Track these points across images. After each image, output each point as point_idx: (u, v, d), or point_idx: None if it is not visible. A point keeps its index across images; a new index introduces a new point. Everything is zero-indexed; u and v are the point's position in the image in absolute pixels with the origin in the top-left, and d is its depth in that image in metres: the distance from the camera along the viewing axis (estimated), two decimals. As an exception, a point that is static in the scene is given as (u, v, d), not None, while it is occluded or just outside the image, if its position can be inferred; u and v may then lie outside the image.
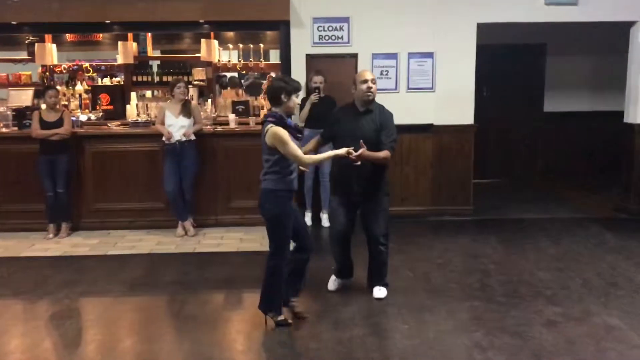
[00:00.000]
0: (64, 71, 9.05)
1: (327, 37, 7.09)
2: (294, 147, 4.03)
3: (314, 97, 6.67)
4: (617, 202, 7.57)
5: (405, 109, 7.14)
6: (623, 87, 7.44)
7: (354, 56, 7.13)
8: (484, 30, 7.08)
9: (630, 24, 7.18)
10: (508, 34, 8.01)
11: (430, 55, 7.11)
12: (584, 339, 4.05)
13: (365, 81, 4.55)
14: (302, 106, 6.84)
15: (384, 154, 4.56)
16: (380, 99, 7.07)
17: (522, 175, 9.31)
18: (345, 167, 4.49)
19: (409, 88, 7.16)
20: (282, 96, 4.09)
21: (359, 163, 4.30)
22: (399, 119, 7.13)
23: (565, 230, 6.70)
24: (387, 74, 7.14)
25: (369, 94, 4.59)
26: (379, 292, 4.82)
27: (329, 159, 4.42)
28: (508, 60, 9.17)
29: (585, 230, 6.71)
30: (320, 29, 7.06)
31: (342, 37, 7.09)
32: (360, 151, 4.24)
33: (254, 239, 6.36)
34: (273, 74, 9.19)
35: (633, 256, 5.78)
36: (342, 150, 4.22)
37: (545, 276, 5.26)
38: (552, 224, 6.97)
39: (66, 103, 8.27)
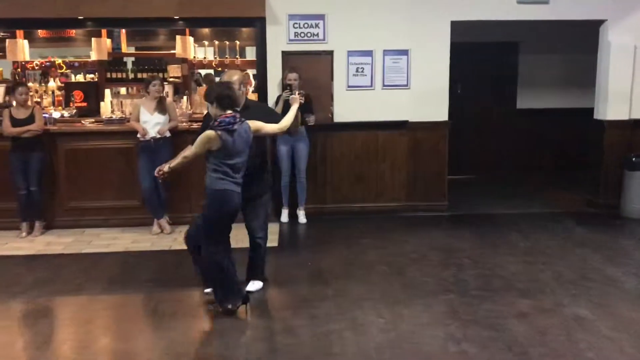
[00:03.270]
0: (37, 68, 8.92)
1: (302, 34, 7.10)
2: (267, 125, 4.47)
3: (285, 95, 6.70)
4: (587, 197, 7.73)
5: (381, 106, 7.22)
6: (593, 84, 7.59)
7: (330, 53, 7.16)
8: (458, 28, 7.17)
9: (600, 22, 7.33)
10: (481, 32, 8.12)
11: (405, 52, 7.17)
12: (555, 330, 4.14)
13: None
14: (276, 103, 6.87)
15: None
16: (355, 96, 7.24)
17: (495, 171, 9.44)
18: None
19: (384, 85, 7.22)
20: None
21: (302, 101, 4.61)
22: (374, 116, 7.28)
23: (537, 224, 6.82)
24: (362, 71, 7.19)
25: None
26: (252, 285, 4.85)
27: (293, 116, 4.65)
28: (481, 58, 9.28)
29: (556, 224, 6.84)
30: (296, 26, 7.07)
31: (317, 35, 7.11)
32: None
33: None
34: (249, 71, 9.20)
35: (602, 249, 5.92)
36: (297, 100, 4.69)
37: (517, 269, 5.36)
38: (524, 218, 7.09)
39: (39, 100, 8.16)
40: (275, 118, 4.68)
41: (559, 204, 7.80)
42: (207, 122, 4.57)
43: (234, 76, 4.66)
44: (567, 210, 7.43)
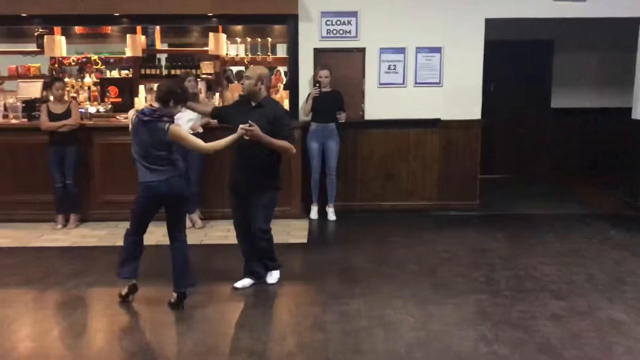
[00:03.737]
0: (73, 63, 9.08)
1: (335, 32, 7.10)
2: (194, 139, 4.51)
3: (314, 92, 6.74)
4: (623, 199, 7.57)
5: (413, 103, 7.18)
6: (631, 83, 7.43)
7: (362, 50, 7.15)
8: (491, 25, 7.08)
9: (638, 20, 7.16)
10: (515, 30, 8.01)
11: (438, 50, 7.11)
12: (589, 333, 4.07)
13: (240, 78, 4.87)
14: (306, 100, 6.90)
15: (281, 142, 4.62)
16: (387, 93, 7.21)
17: (528, 171, 9.31)
18: (238, 159, 4.68)
19: (416, 83, 7.17)
20: (172, 102, 4.38)
21: (247, 138, 4.42)
22: (406, 114, 7.25)
23: (571, 226, 6.71)
24: (394, 69, 7.15)
25: (242, 89, 4.84)
26: (270, 277, 4.93)
27: (229, 143, 4.51)
28: (515, 56, 9.16)
29: (590, 226, 6.72)
30: (328, 23, 7.08)
31: (350, 32, 7.10)
32: (253, 128, 4.40)
33: (260, 232, 6.39)
34: (281, 69, 9.23)
35: (638, 252, 5.79)
36: (239, 132, 4.42)
37: (550, 271, 5.27)
38: (557, 219, 6.98)
39: (75, 95, 8.31)
40: (278, 128, 4.60)
41: (594, 205, 7.66)
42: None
43: (256, 71, 4.72)
44: (603, 212, 7.29)
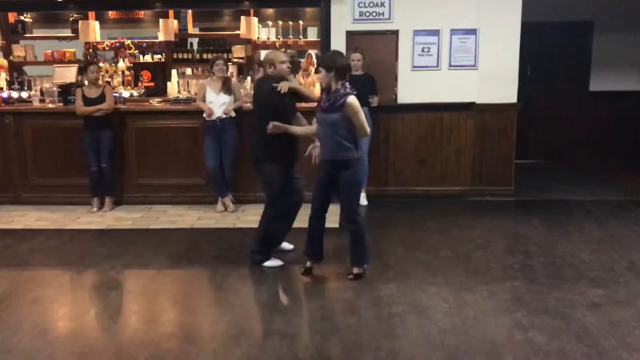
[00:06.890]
0: (107, 48, 9.16)
1: (367, 14, 7.00)
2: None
3: None
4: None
5: (447, 87, 7.06)
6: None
7: (395, 33, 7.04)
8: (529, 6, 6.89)
9: (685, -1, 6.90)
10: (554, 10, 7.79)
11: (473, 31, 6.96)
12: (630, 322, 3.96)
13: (284, 62, 4.94)
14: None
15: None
16: (421, 76, 7.10)
17: (566, 156, 9.11)
18: None
19: (450, 65, 7.04)
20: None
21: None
22: (440, 98, 7.13)
23: (611, 212, 6.54)
24: (428, 51, 7.03)
25: (288, 71, 5.01)
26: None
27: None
28: (553, 38, 8.92)
29: (631, 213, 6.53)
30: (361, 5, 6.98)
31: (383, 14, 6.99)
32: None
33: (292, 216, 6.39)
34: (312, 52, 9.14)
35: (682, 240, 5.62)
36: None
37: (589, 258, 5.15)
38: (596, 206, 6.80)
39: (109, 80, 8.39)
40: None
41: (634, 191, 7.44)
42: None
43: (280, 52, 5.00)
44: (645, 198, 7.09)
